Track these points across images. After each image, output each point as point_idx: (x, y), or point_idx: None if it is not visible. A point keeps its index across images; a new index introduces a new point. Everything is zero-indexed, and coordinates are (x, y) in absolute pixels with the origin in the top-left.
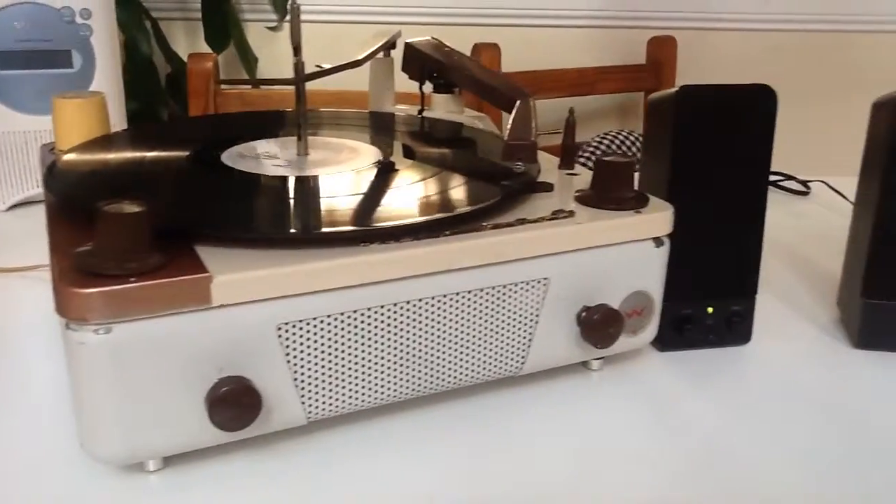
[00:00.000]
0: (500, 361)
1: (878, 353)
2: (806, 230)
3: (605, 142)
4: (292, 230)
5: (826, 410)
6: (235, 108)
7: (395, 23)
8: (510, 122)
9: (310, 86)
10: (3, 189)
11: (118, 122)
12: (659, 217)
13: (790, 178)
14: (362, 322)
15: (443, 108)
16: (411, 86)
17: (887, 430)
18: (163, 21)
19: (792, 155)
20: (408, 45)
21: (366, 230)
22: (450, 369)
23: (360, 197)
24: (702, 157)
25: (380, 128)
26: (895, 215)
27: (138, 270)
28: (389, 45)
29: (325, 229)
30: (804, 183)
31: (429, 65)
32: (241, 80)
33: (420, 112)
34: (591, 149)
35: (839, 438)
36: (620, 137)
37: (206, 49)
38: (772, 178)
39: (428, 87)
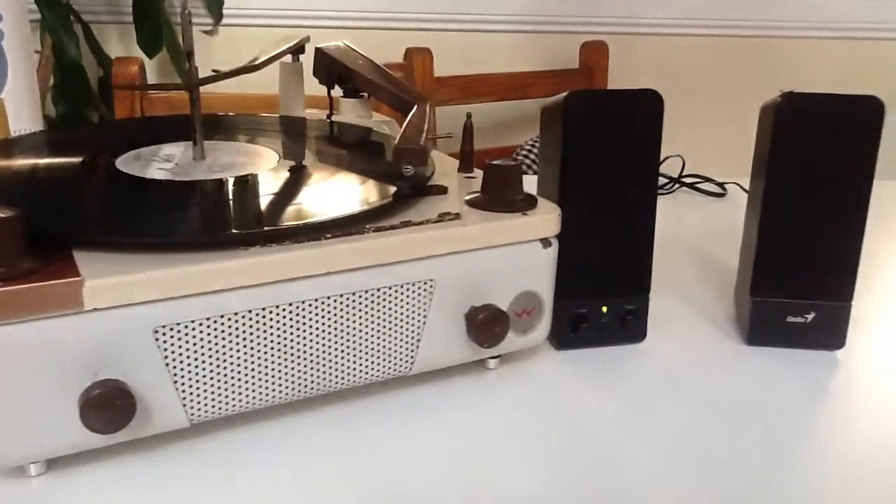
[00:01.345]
0: (389, 362)
1: (768, 349)
2: (717, 231)
3: (538, 147)
4: (168, 234)
5: (713, 406)
6: (162, 112)
7: (329, 27)
8: (403, 126)
9: (230, 90)
10: None
11: (34, 126)
12: (545, 219)
13: (707, 180)
14: (243, 325)
15: (351, 112)
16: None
17: (771, 425)
18: (95, 24)
19: (712, 157)
20: (317, 50)
21: (245, 234)
22: (337, 370)
23: (246, 200)
24: (591, 160)
25: (286, 132)
26: (778, 216)
27: (8, 275)
28: (296, 50)
29: (203, 233)
30: (721, 185)
31: (336, 70)
32: (135, 85)
33: (328, 116)
34: (525, 153)
35: (724, 432)
36: None
37: (140, 53)
38: (689, 180)
39: (338, 91)
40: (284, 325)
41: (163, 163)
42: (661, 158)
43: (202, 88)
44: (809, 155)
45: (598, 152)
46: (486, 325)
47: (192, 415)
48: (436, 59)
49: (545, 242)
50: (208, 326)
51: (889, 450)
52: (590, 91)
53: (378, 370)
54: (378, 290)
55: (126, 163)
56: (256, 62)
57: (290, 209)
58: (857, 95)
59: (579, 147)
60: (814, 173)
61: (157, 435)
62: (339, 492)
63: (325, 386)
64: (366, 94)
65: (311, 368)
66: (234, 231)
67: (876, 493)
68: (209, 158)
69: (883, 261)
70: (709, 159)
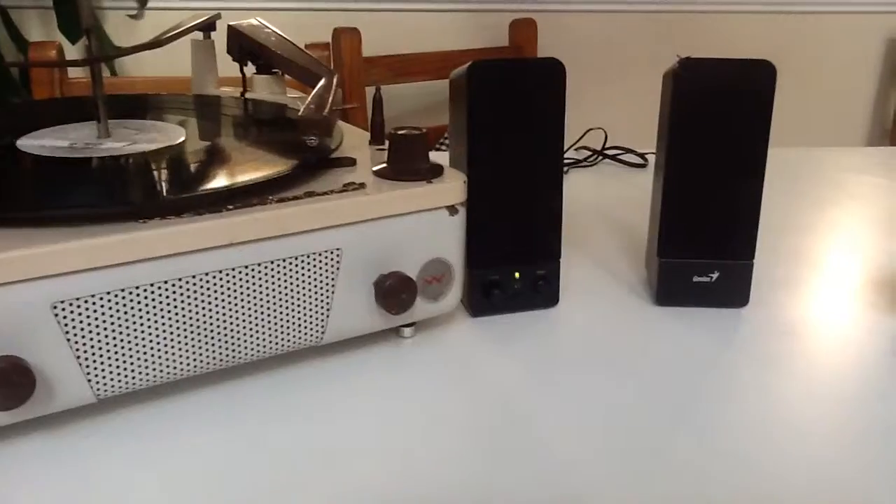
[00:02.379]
0: (299, 332)
1: (675, 308)
2: (637, 200)
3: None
4: (65, 208)
5: (622, 364)
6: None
7: (257, 9)
8: (308, 98)
9: (151, 73)
10: None
11: None
12: (450, 186)
13: (629, 151)
14: (145, 298)
15: (264, 89)
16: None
17: (678, 380)
18: (13, 10)
19: (634, 130)
20: (229, 27)
21: (143, 205)
22: (245, 342)
23: (146, 174)
24: (497, 128)
25: (197, 110)
26: (680, 179)
27: None
28: (206, 27)
29: (100, 206)
30: (642, 156)
31: (248, 46)
32: (41, 62)
33: (242, 94)
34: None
35: (632, 389)
36: None
37: (62, 39)
38: (611, 151)
39: (252, 69)
40: (189, 297)
41: (65, 141)
42: (584, 131)
43: (124, 71)
44: (707, 118)
45: (504, 120)
46: (393, 291)
47: (98, 390)
48: (364, 40)
49: (452, 210)
50: (109, 301)
51: (789, 399)
52: (493, 60)
53: (289, 341)
54: (284, 260)
55: (27, 142)
56: (163, 38)
57: (192, 182)
58: (751, 60)
59: (484, 115)
60: (712, 136)
61: (63, 412)
62: (250, 465)
63: (234, 358)
64: (279, 71)
65: (219, 341)
66: (131, 203)
67: (775, 440)
68: (114, 136)
69: (783, 225)
70: (632, 132)
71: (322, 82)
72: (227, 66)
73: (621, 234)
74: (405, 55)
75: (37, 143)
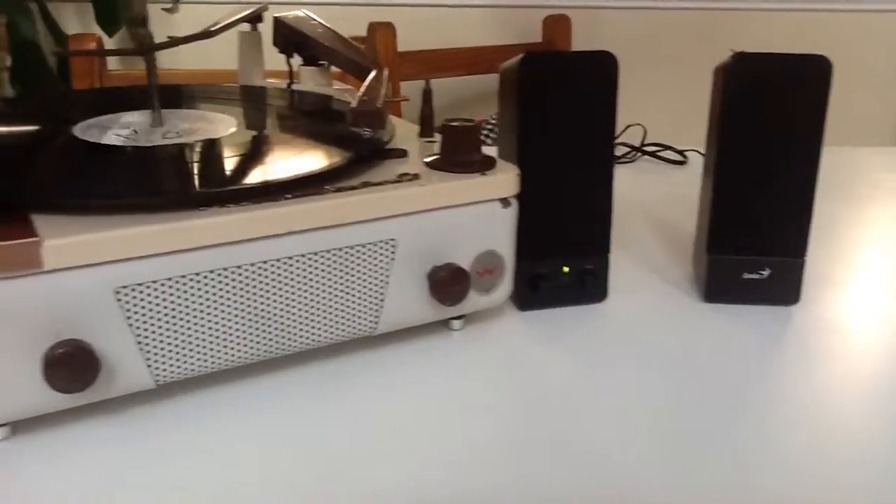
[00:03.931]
0: (353, 322)
1: (724, 305)
2: (677, 197)
3: (498, 109)
4: (128, 195)
5: (671, 360)
6: None
7: (291, 3)
8: (360, 91)
9: (191, 65)
10: None
11: None
12: (504, 178)
13: (668, 148)
14: (205, 285)
15: (311, 81)
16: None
17: (727, 378)
18: (52, 3)
19: (672, 127)
20: (276, 19)
21: (203, 193)
22: (301, 331)
23: (204, 163)
24: (548, 120)
25: (245, 100)
26: (732, 174)
27: None
28: (254, 19)
29: (162, 193)
30: (681, 153)
31: (295, 38)
32: (89, 50)
33: (289, 85)
34: (490, 126)
35: (682, 386)
36: None
37: (98, 32)
38: (650, 148)
39: (298, 61)
40: (247, 285)
41: (120, 129)
42: (623, 128)
43: (166, 64)
44: (760, 113)
45: (555, 112)
46: (448, 283)
47: (158, 376)
48: (399, 34)
49: (504, 202)
50: (170, 286)
51: (838, 400)
52: (545, 52)
53: (343, 330)
54: (340, 249)
55: (83, 130)
56: (213, 28)
57: (249, 171)
58: (806, 55)
59: (536, 108)
60: (765, 131)
61: (122, 396)
62: (306, 451)
63: (290, 346)
64: (325, 63)
65: (275, 329)
66: (191, 191)
67: (825, 440)
68: (167, 125)
69: (836, 221)
70: (669, 129)
71: (373, 74)
72: (269, 58)
73: (663, 231)
74: (439, 50)
75: (93, 131)
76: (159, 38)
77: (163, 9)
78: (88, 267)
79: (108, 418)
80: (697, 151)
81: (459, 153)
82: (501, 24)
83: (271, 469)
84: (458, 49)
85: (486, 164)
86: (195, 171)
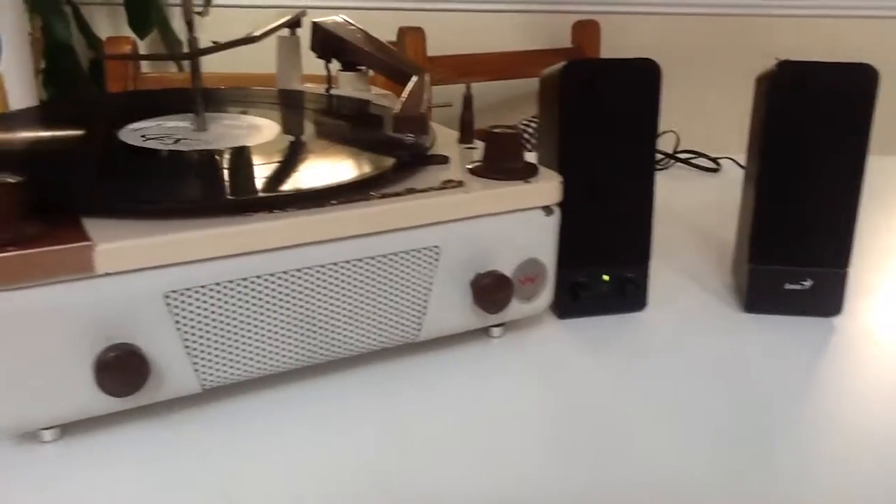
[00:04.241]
0: (396, 328)
1: (765, 316)
2: (711, 205)
3: (532, 125)
4: (178, 200)
5: (712, 371)
6: None
7: (320, 7)
8: (402, 96)
9: (224, 69)
10: None
11: (29, 103)
12: (547, 186)
13: (701, 155)
14: (251, 290)
15: (349, 85)
16: (322, 66)
17: (768, 389)
18: (85, 6)
19: (707, 134)
20: (315, 25)
21: (251, 199)
22: (344, 337)
23: (252, 169)
24: (590, 127)
25: (285, 105)
26: (775, 183)
27: (13, 240)
28: (293, 24)
29: (210, 198)
30: (714, 160)
31: (334, 43)
32: (135, 55)
33: (327, 90)
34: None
35: (722, 396)
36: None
37: (130, 34)
38: (683, 155)
39: (336, 66)
40: (293, 290)
41: (165, 133)
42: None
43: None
44: (804, 122)
45: (597, 120)
46: (492, 290)
47: (204, 380)
48: (428, 39)
49: (547, 210)
50: (218, 292)
51: (879, 413)
52: (588, 60)
53: (386, 336)
54: (384, 256)
55: (128, 134)
56: (255, 34)
57: (294, 177)
58: (852, 63)
59: (578, 115)
60: (809, 140)
61: (167, 401)
62: (348, 456)
63: (333, 352)
64: (363, 68)
65: (320, 334)
66: (241, 197)
67: (866, 453)
68: (211, 129)
69: (879, 232)
70: (701, 136)
71: (415, 79)
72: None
73: (699, 239)
74: (468, 55)
75: (138, 134)
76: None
77: (195, 12)
78: (139, 271)
79: (152, 421)
80: (731, 159)
81: (503, 160)
82: (530, 30)
83: (311, 475)
84: (488, 54)
85: (530, 172)
86: (243, 175)
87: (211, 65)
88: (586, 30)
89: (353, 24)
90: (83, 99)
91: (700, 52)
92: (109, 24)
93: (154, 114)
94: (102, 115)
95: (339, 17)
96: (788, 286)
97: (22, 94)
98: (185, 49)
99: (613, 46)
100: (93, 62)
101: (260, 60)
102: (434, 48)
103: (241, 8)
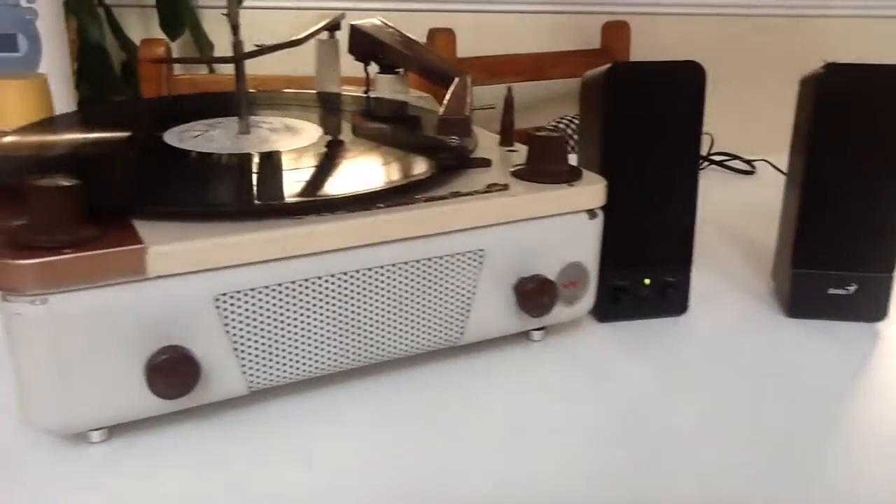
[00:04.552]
0: (440, 331)
1: (808, 321)
2: (748, 208)
3: (561, 126)
4: (228, 203)
5: (754, 376)
6: (187, 93)
7: (351, 9)
8: (446, 98)
9: (261, 70)
10: None
11: (67, 106)
12: (591, 190)
13: (736, 157)
14: (299, 293)
15: (387, 88)
16: (360, 69)
17: (811, 395)
18: (116, 8)
19: (739, 136)
20: (353, 27)
21: (299, 203)
22: (389, 339)
23: (297, 172)
24: (634, 131)
25: (324, 107)
26: (820, 186)
27: (70, 242)
28: (333, 27)
29: (259, 202)
30: (749, 162)
31: (372, 46)
32: (181, 58)
33: (366, 92)
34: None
35: (764, 401)
36: (576, 122)
37: (161, 36)
38: (718, 157)
39: (374, 68)
40: (340, 293)
41: (209, 136)
42: None
43: (230, 68)
44: (850, 126)
45: (641, 123)
46: (536, 294)
47: (251, 382)
48: (458, 40)
49: (591, 213)
50: (266, 295)
51: None
52: (632, 63)
53: (430, 340)
54: (429, 259)
55: (173, 137)
56: (297, 38)
57: (341, 180)
58: None
59: (621, 119)
60: (855, 144)
61: (213, 403)
62: (393, 457)
63: (378, 355)
64: (402, 70)
65: (365, 337)
66: (291, 200)
67: None
68: (254, 133)
69: None
70: (735, 138)
71: (457, 82)
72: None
73: (738, 242)
74: (498, 56)
75: (183, 137)
76: (219, 41)
77: (223, 13)
78: (190, 274)
79: (198, 423)
80: (767, 162)
81: (546, 163)
82: (560, 31)
83: (355, 477)
84: (518, 55)
85: (574, 175)
86: (290, 179)
87: (248, 68)
88: (616, 31)
89: (391, 27)
90: (125, 102)
91: (727, 52)
92: (140, 26)
93: (195, 117)
94: (144, 119)
95: (377, 20)
96: (832, 291)
97: (61, 97)
98: (215, 52)
99: (643, 48)
100: (124, 64)
101: (286, 62)
102: (464, 49)
103: (269, 10)
